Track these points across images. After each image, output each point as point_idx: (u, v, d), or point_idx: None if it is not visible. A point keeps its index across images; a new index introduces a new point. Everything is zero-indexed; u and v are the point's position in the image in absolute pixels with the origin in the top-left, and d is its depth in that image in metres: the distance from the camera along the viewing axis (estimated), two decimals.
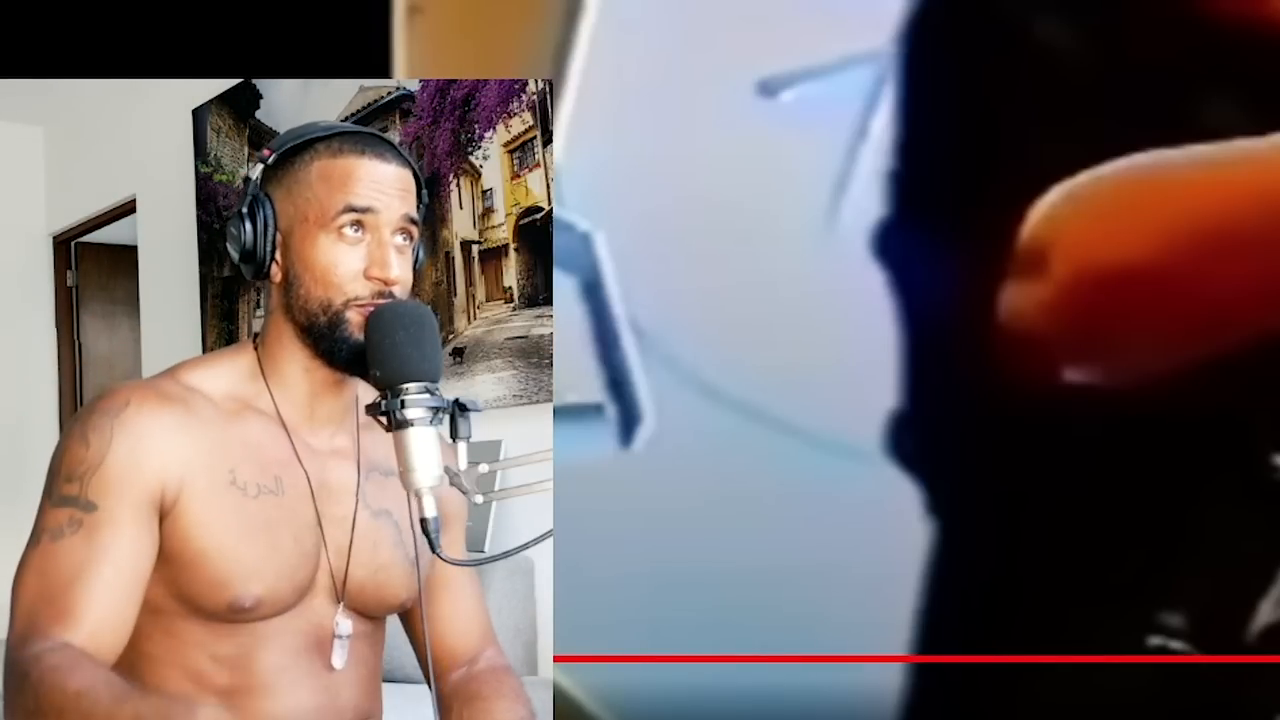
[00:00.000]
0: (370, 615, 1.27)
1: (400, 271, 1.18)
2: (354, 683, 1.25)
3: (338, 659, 1.22)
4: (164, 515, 1.15)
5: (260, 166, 1.21)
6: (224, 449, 1.18)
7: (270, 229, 1.20)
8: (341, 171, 1.18)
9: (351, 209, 1.17)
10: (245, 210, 1.20)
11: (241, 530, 1.16)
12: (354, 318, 1.17)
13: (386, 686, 1.32)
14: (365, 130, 1.23)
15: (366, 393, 1.27)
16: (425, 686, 1.25)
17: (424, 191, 1.26)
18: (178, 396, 1.18)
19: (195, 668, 1.18)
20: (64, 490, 1.13)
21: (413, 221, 1.21)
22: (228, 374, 1.23)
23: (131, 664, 1.15)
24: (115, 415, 1.15)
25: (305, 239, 1.19)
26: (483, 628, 1.38)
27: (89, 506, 1.12)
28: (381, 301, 1.17)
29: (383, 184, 1.19)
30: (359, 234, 1.18)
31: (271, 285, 1.22)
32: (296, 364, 1.22)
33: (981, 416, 1.12)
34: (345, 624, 1.23)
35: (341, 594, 1.23)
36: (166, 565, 1.16)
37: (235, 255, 1.21)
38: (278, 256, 1.21)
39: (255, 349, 1.24)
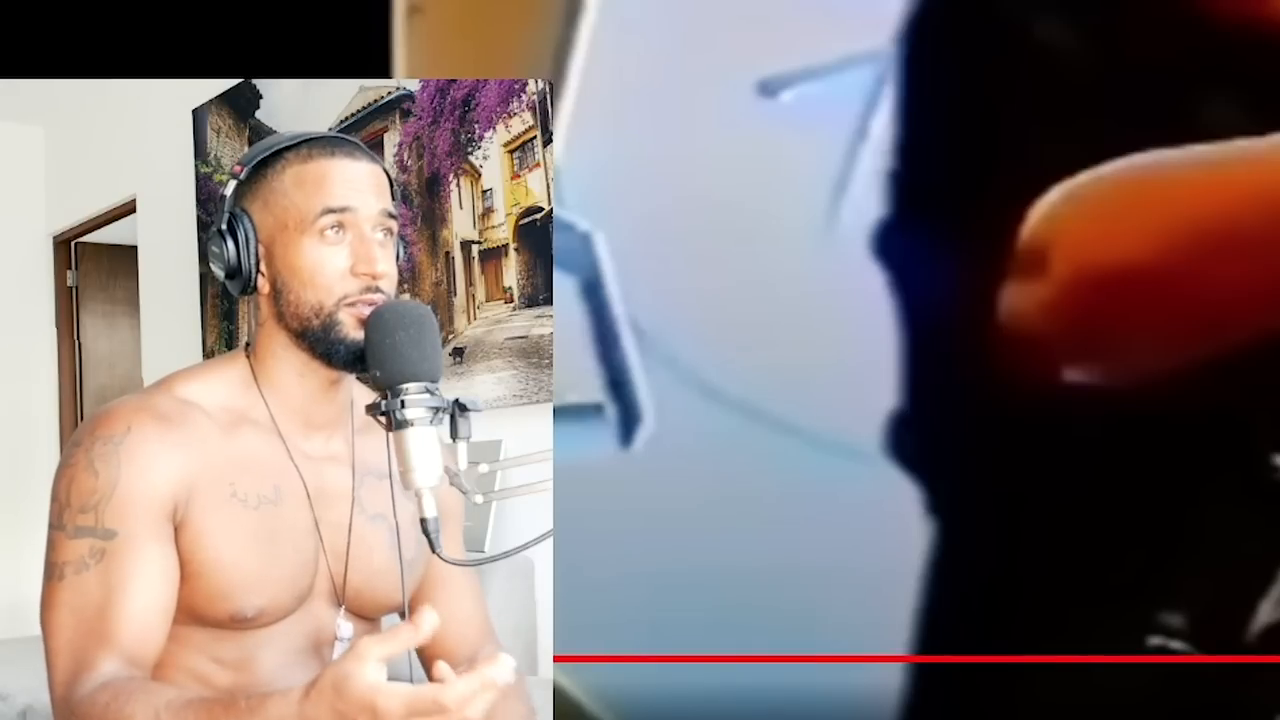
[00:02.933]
0: (368, 616, 1.28)
1: (385, 265, 1.19)
2: None
3: None
4: (175, 530, 1.16)
5: (233, 183, 1.22)
6: (223, 462, 1.18)
7: (252, 242, 1.20)
8: (315, 175, 1.19)
9: (330, 210, 1.18)
10: (224, 227, 1.20)
11: (244, 542, 1.17)
12: (347, 317, 1.18)
13: None
14: (330, 134, 1.24)
15: (360, 397, 1.28)
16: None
17: (394, 189, 1.26)
18: (175, 413, 1.18)
19: (198, 669, 1.18)
20: (79, 522, 1.13)
21: (391, 216, 1.22)
22: (221, 386, 1.23)
23: None
24: (119, 441, 1.15)
25: (288, 246, 1.19)
26: (481, 625, 1.38)
27: (108, 535, 1.12)
28: (371, 297, 1.17)
29: (356, 182, 1.20)
30: (340, 234, 1.19)
31: (260, 297, 1.23)
32: (291, 371, 1.22)
33: (981, 416, 1.12)
34: (346, 627, 1.23)
35: (341, 598, 1.24)
36: None
37: (220, 273, 1.22)
38: (262, 268, 1.21)
39: (247, 359, 1.24)
